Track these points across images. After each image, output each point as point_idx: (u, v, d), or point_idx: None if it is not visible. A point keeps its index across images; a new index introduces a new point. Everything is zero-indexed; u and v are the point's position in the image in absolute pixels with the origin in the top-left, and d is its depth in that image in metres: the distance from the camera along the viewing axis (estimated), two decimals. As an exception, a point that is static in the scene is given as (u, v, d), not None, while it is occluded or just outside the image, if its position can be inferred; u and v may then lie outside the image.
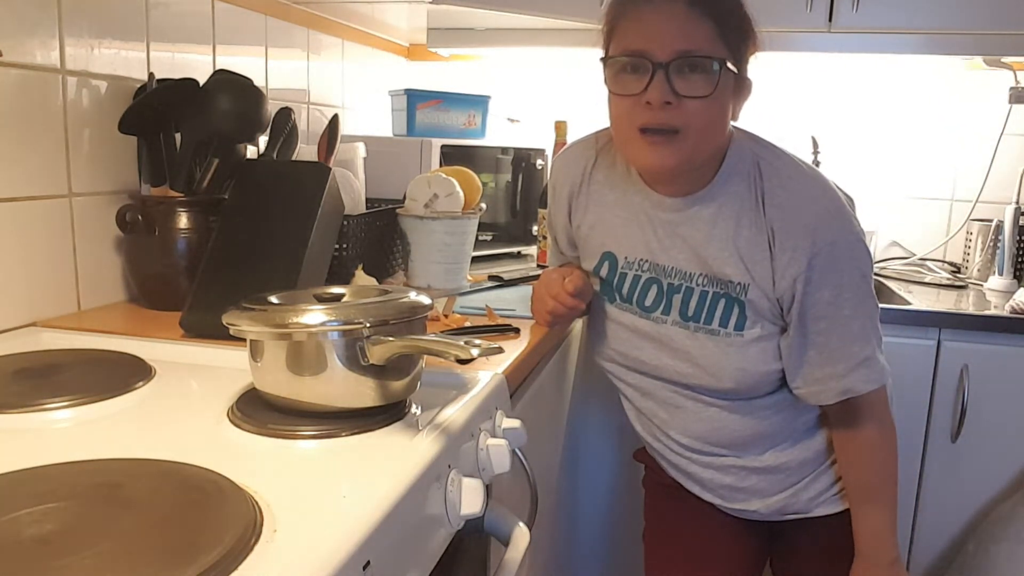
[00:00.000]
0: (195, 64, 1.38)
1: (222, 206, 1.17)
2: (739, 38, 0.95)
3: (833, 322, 0.99)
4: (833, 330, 0.99)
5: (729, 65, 0.93)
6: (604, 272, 1.12)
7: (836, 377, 1.01)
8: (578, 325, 1.52)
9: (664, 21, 0.93)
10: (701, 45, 0.92)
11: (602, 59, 0.99)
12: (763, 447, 1.09)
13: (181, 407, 0.83)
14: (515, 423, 0.90)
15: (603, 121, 1.04)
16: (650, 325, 1.08)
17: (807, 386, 1.03)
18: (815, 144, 2.02)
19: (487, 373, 0.95)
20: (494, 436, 0.86)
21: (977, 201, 2.01)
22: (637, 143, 0.96)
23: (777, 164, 1.01)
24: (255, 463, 0.68)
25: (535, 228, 1.86)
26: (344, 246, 1.31)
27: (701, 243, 1.02)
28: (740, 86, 0.98)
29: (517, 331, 1.16)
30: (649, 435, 1.18)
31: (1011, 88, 1.90)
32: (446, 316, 1.23)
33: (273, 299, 0.80)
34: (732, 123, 1.04)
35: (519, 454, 0.96)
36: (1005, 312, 1.60)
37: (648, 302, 1.08)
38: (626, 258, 1.09)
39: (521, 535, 0.85)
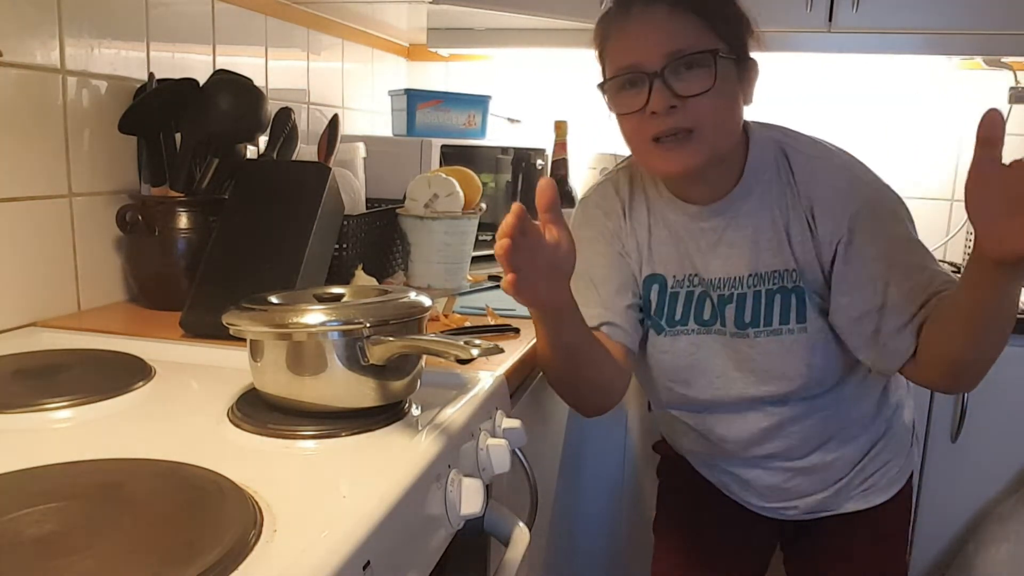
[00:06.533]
0: (195, 64, 1.38)
1: (222, 206, 1.17)
2: (728, 23, 0.94)
3: (892, 269, 0.94)
4: (893, 275, 0.94)
5: (723, 54, 0.92)
6: (653, 296, 1.06)
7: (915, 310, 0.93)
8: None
9: (648, 28, 0.92)
10: (690, 42, 0.90)
11: (599, 86, 0.98)
12: (810, 447, 1.07)
13: (181, 407, 0.83)
14: (515, 423, 0.90)
15: (603, 120, 1.03)
16: (710, 339, 1.04)
17: (888, 342, 0.94)
18: (815, 144, 2.02)
19: (487, 373, 0.95)
20: (494, 436, 0.86)
21: (977, 201, 2.00)
22: (654, 155, 0.94)
23: (799, 145, 1.01)
24: (255, 463, 0.68)
25: (535, 228, 1.85)
26: (344, 246, 1.31)
27: (749, 240, 1.00)
28: (745, 69, 0.97)
29: (517, 331, 1.16)
30: (697, 446, 1.15)
31: (1011, 88, 1.90)
32: (446, 316, 1.23)
33: (273, 299, 0.80)
34: (747, 117, 1.01)
35: (519, 454, 0.96)
36: (1005, 312, 1.59)
37: (706, 316, 1.04)
38: (675, 277, 1.05)
39: (521, 535, 0.85)
